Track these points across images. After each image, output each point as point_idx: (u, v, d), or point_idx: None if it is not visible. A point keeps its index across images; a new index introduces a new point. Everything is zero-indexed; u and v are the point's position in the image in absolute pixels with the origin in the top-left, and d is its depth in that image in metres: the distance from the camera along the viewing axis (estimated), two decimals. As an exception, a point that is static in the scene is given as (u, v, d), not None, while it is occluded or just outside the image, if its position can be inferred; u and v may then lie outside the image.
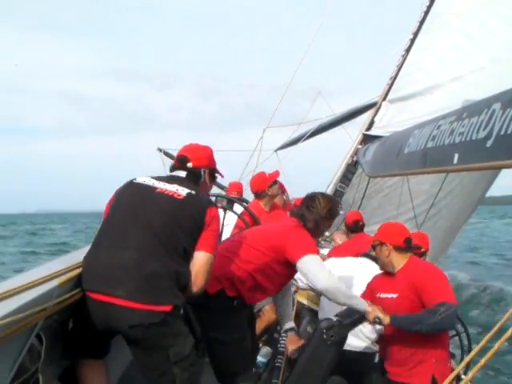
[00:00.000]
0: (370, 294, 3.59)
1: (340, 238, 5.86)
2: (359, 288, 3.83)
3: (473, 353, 2.76)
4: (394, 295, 3.37)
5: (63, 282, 2.46)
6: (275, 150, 9.67)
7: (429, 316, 3.03)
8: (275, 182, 5.36)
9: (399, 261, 3.41)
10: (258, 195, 5.31)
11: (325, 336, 3.23)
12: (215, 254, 2.76)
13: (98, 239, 2.71)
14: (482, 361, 2.58)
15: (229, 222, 4.87)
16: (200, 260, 2.67)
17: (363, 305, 3.21)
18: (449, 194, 8.39)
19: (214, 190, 5.79)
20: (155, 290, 2.49)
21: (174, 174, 2.93)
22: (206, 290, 2.84)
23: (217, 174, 3.09)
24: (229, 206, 5.03)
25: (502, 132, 2.82)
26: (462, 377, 3.03)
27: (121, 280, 2.48)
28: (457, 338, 4.27)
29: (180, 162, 2.93)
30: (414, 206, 7.69)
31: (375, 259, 4.08)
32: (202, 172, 2.95)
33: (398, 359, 3.35)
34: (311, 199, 3.38)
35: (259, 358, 4.31)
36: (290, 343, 3.36)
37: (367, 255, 4.33)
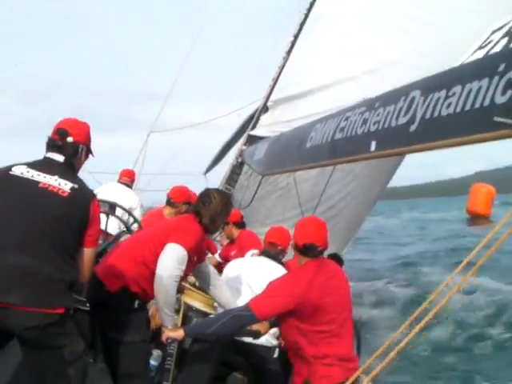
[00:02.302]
0: None
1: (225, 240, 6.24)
2: (260, 287, 3.82)
3: (378, 351, 2.76)
4: None
5: None
6: (204, 174, 10.17)
7: (218, 317, 3.25)
8: (190, 203, 5.44)
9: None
10: (170, 203, 5.51)
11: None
12: (97, 246, 3.01)
13: None
14: (387, 359, 2.61)
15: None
16: (88, 256, 2.84)
17: (168, 322, 3.30)
18: (348, 194, 8.89)
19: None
20: (49, 293, 2.55)
21: (51, 157, 2.86)
22: (107, 289, 3.12)
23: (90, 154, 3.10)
24: (111, 211, 5.12)
25: (428, 116, 3.01)
26: (361, 376, 3.08)
27: (11, 288, 2.48)
28: None
29: (60, 135, 2.89)
30: (312, 208, 7.95)
31: (274, 257, 4.32)
32: (80, 149, 2.95)
33: (290, 358, 3.44)
34: (206, 195, 3.51)
35: (151, 362, 4.30)
36: (167, 331, 3.32)
37: (266, 254, 4.41)
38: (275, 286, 3.30)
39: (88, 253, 2.83)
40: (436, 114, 2.94)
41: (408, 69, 3.76)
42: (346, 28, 6.58)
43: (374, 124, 3.62)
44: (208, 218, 3.41)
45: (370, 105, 3.84)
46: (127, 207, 5.76)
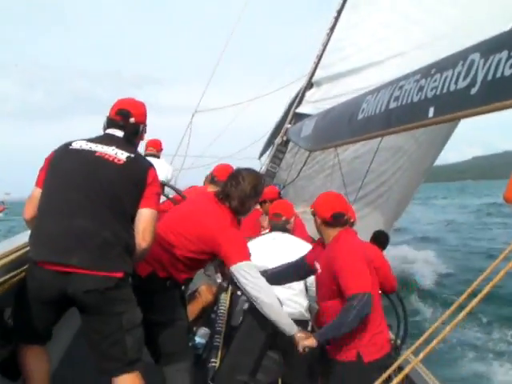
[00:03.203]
0: (311, 257, 3.70)
1: (264, 220, 6.09)
2: (275, 263, 3.98)
3: (430, 330, 2.75)
4: (319, 269, 3.51)
5: None
6: (259, 158, 10.36)
7: (346, 316, 3.13)
8: None
9: (327, 235, 3.48)
10: (214, 181, 5.38)
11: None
12: (158, 210, 2.86)
13: (43, 210, 2.73)
14: (438, 338, 2.55)
15: None
16: (145, 216, 2.78)
17: (291, 329, 3.25)
18: (398, 170, 8.93)
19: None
20: (108, 257, 2.62)
21: (110, 132, 2.96)
22: (137, 274, 3.01)
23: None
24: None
25: (490, 78, 3.04)
26: (411, 357, 3.10)
27: (74, 249, 2.57)
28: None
29: (122, 116, 2.97)
30: (363, 186, 8.01)
31: (282, 229, 4.44)
32: (141, 128, 3.05)
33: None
34: (235, 176, 3.41)
35: (197, 339, 4.48)
36: (301, 339, 3.25)
37: (274, 228, 4.52)
38: (358, 263, 3.28)
39: (146, 213, 2.77)
40: (499, 74, 2.96)
41: (459, 41, 3.75)
42: (391, 2, 6.59)
43: (431, 90, 3.64)
44: (237, 201, 3.32)
45: (426, 72, 3.86)
46: (162, 179, 5.74)
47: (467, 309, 2.47)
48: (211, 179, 5.52)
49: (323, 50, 7.94)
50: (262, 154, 10.34)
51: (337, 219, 3.42)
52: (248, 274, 3.14)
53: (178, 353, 3.26)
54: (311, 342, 3.20)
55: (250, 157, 10.08)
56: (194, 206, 3.54)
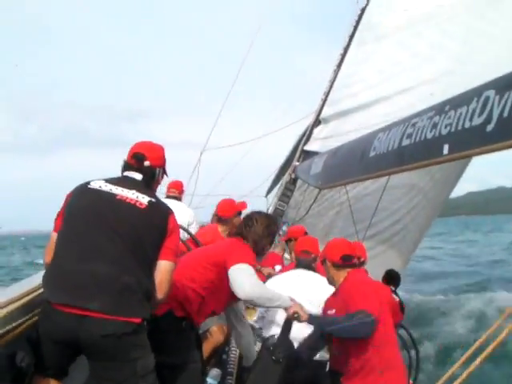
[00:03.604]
0: (325, 310, 3.77)
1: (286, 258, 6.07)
2: (304, 299, 3.91)
3: (454, 368, 2.79)
4: (333, 311, 3.56)
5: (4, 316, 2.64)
6: (265, 196, 10.34)
7: (344, 319, 3.22)
8: (240, 212, 5.53)
9: (338, 277, 3.63)
10: (221, 220, 5.44)
11: (273, 357, 3.45)
12: (176, 261, 2.90)
13: (61, 251, 2.69)
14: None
15: None
16: (163, 269, 2.79)
17: (286, 302, 3.38)
18: (413, 209, 8.94)
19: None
20: (128, 303, 2.60)
21: (128, 175, 2.94)
22: (153, 313, 3.00)
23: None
24: None
25: (506, 114, 3.01)
26: None
27: (95, 293, 2.55)
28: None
29: (137, 159, 2.97)
30: (374, 223, 7.98)
31: (308, 267, 4.44)
32: (158, 172, 3.03)
33: (347, 371, 3.46)
34: (249, 219, 3.65)
35: (209, 381, 4.43)
36: (295, 307, 3.39)
37: (300, 264, 4.51)
38: (368, 289, 3.40)
39: (165, 265, 2.80)
40: (514, 111, 2.94)
41: (467, 78, 3.76)
42: (398, 38, 6.63)
43: (446, 127, 3.62)
44: (251, 241, 3.52)
45: (440, 108, 3.84)
46: (184, 223, 5.66)
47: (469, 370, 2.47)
48: (218, 219, 5.51)
49: (330, 87, 7.98)
50: (269, 192, 10.36)
51: (346, 260, 3.58)
52: (238, 272, 3.23)
53: None
54: (303, 314, 3.34)
55: (258, 194, 10.09)
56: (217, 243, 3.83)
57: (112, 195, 2.78)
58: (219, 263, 3.33)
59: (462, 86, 3.70)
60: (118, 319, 2.55)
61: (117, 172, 3.02)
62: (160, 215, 2.83)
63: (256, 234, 3.53)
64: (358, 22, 7.85)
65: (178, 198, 6.64)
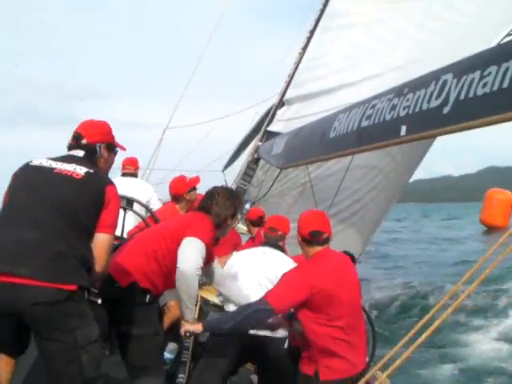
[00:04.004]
0: None
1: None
2: (264, 277, 4.01)
3: (396, 348, 2.83)
4: None
5: None
6: (222, 171, 10.31)
7: (236, 314, 3.25)
8: (194, 188, 5.56)
9: (306, 253, 3.55)
10: (176, 198, 5.48)
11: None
12: (114, 233, 2.91)
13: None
14: (404, 355, 2.69)
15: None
16: (101, 242, 2.79)
17: (189, 315, 3.38)
18: (373, 189, 9.00)
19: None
20: (61, 269, 2.55)
21: (72, 153, 2.99)
22: (119, 285, 3.15)
23: (118, 148, 3.20)
24: (128, 206, 5.04)
25: (462, 97, 3.08)
26: (378, 373, 3.16)
27: (25, 259, 2.50)
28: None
29: (75, 139, 3.01)
30: (336, 203, 8.05)
31: (275, 245, 4.39)
32: (98, 147, 3.04)
33: (301, 348, 3.50)
34: (210, 193, 3.66)
35: (166, 355, 4.45)
36: (188, 325, 3.38)
37: (267, 242, 4.47)
38: (290, 277, 3.32)
39: (102, 238, 2.80)
40: (471, 94, 3.01)
41: (432, 65, 3.82)
42: (364, 26, 6.70)
43: (404, 109, 3.69)
44: (214, 213, 3.53)
45: (399, 91, 3.91)
46: (144, 200, 5.65)
47: (428, 331, 2.52)
48: (172, 197, 5.51)
49: (295, 69, 7.99)
50: (226, 167, 10.39)
51: (314, 237, 3.44)
52: (190, 245, 3.25)
53: (151, 367, 3.27)
54: (196, 327, 3.33)
55: (215, 170, 10.14)
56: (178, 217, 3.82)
57: (51, 169, 2.82)
58: (180, 237, 3.33)
59: (426, 71, 3.76)
60: (49, 286, 2.47)
61: (66, 150, 3.05)
62: (96, 185, 2.83)
63: (218, 206, 3.54)
64: (323, 8, 7.87)
65: (135, 175, 6.55)
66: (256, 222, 6.22)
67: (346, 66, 6.66)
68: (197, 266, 3.23)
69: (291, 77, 8.00)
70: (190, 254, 3.24)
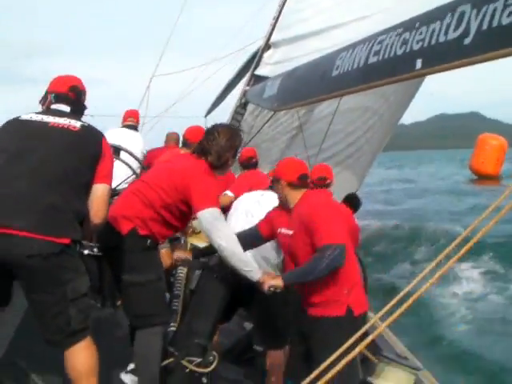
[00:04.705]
0: (268, 224, 3.70)
1: None
2: (253, 219, 3.94)
3: (397, 298, 2.83)
4: (290, 232, 3.49)
5: None
6: (205, 116, 10.06)
7: (316, 264, 3.18)
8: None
9: (293, 197, 3.52)
10: (186, 144, 5.28)
11: (214, 275, 3.56)
12: (111, 184, 2.94)
13: None
14: (403, 306, 2.64)
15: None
16: (99, 192, 2.81)
17: (256, 274, 3.28)
18: (368, 131, 9.04)
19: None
20: (55, 222, 2.56)
21: (57, 108, 2.96)
22: (118, 232, 3.13)
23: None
24: (116, 155, 4.98)
25: (485, 27, 3.10)
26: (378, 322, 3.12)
27: (19, 211, 2.51)
28: None
29: (75, 93, 3.03)
30: (330, 146, 8.04)
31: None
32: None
33: (310, 293, 3.43)
34: (211, 132, 3.48)
35: None
36: (268, 279, 3.27)
37: (270, 187, 4.47)
38: (322, 215, 3.30)
39: (100, 189, 2.81)
40: (495, 23, 3.03)
41: (424, 5, 3.80)
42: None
43: (418, 43, 3.68)
44: (213, 155, 3.37)
45: (408, 26, 3.89)
46: (138, 154, 5.63)
47: (432, 280, 2.57)
48: (183, 142, 5.44)
49: (280, 11, 7.85)
50: (208, 112, 10.23)
51: (303, 180, 3.49)
52: (212, 220, 3.17)
53: (156, 315, 3.21)
54: (277, 282, 3.23)
55: (198, 115, 10.03)
56: (172, 161, 3.60)
57: (45, 123, 2.79)
58: (180, 189, 3.25)
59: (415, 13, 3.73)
60: (44, 239, 2.49)
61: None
62: (93, 137, 2.86)
63: (219, 146, 3.37)
64: None
65: (136, 127, 6.50)
66: (244, 164, 6.11)
67: (333, 7, 6.54)
68: (232, 235, 3.22)
69: (276, 19, 7.88)
70: (221, 229, 3.18)
